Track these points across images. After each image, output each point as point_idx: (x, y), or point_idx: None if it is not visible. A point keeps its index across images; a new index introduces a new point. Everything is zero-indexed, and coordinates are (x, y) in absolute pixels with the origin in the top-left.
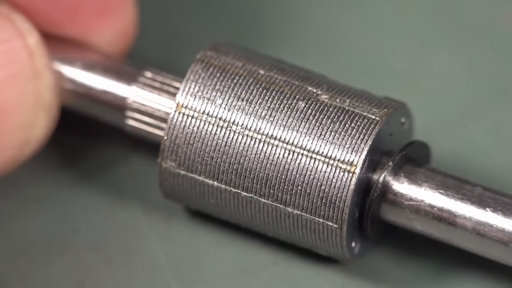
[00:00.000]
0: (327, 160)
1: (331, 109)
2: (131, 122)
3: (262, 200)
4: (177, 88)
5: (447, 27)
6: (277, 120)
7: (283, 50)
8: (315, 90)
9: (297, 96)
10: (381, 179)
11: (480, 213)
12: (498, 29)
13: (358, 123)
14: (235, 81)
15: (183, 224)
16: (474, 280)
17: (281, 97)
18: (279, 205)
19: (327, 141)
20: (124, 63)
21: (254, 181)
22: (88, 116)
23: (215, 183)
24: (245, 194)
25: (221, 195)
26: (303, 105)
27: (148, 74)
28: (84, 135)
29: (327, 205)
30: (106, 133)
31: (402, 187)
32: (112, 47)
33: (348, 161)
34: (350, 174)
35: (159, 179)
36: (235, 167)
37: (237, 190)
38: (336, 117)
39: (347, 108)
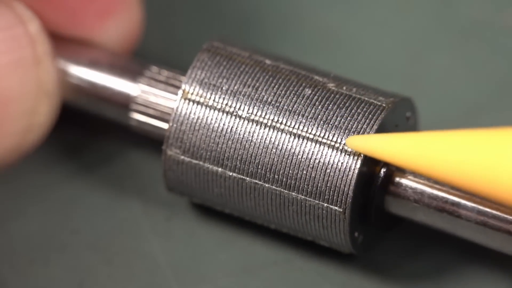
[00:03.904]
0: (332, 143)
1: (337, 96)
2: (136, 118)
3: (267, 185)
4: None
5: (447, 27)
6: (283, 106)
7: (283, 49)
8: (321, 79)
9: (304, 84)
10: (384, 169)
11: (484, 203)
12: (499, 29)
13: (365, 109)
14: (241, 69)
15: (183, 224)
16: (475, 278)
17: (287, 84)
18: (284, 190)
19: (333, 126)
20: (129, 59)
21: (259, 167)
22: (93, 113)
23: (220, 169)
24: (250, 180)
25: (225, 182)
26: (310, 91)
27: (153, 69)
28: (85, 133)
29: (331, 189)
30: (107, 132)
31: (405, 177)
32: (118, 46)
33: None
34: (356, 157)
35: (163, 168)
36: (240, 153)
37: (241, 176)
38: (343, 103)
39: (353, 95)
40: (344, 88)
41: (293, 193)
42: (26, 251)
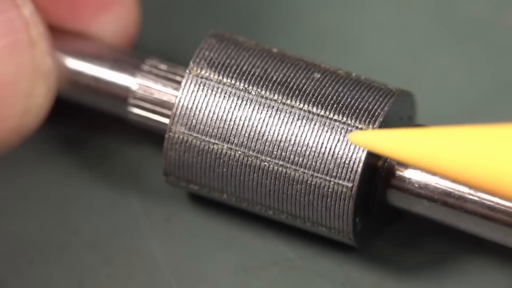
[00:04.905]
0: (343, 121)
1: (347, 80)
2: (135, 112)
3: (274, 161)
4: (182, 76)
5: (447, 27)
6: (293, 86)
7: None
8: (328, 67)
9: (312, 69)
10: (387, 160)
11: (488, 197)
12: (499, 30)
13: (375, 93)
14: (249, 52)
15: (182, 224)
16: (475, 268)
17: (296, 68)
18: (291, 167)
19: (343, 105)
20: (128, 53)
21: (267, 144)
22: (91, 106)
23: (226, 146)
24: (256, 157)
25: (229, 161)
26: (319, 75)
27: (153, 61)
28: (83, 129)
29: (340, 166)
30: (105, 127)
31: (408, 170)
32: (115, 41)
33: (365, 122)
34: None
35: (165, 147)
36: (248, 130)
37: (247, 153)
38: (353, 87)
39: (363, 81)
40: (353, 75)
41: (300, 170)
42: (25, 251)
